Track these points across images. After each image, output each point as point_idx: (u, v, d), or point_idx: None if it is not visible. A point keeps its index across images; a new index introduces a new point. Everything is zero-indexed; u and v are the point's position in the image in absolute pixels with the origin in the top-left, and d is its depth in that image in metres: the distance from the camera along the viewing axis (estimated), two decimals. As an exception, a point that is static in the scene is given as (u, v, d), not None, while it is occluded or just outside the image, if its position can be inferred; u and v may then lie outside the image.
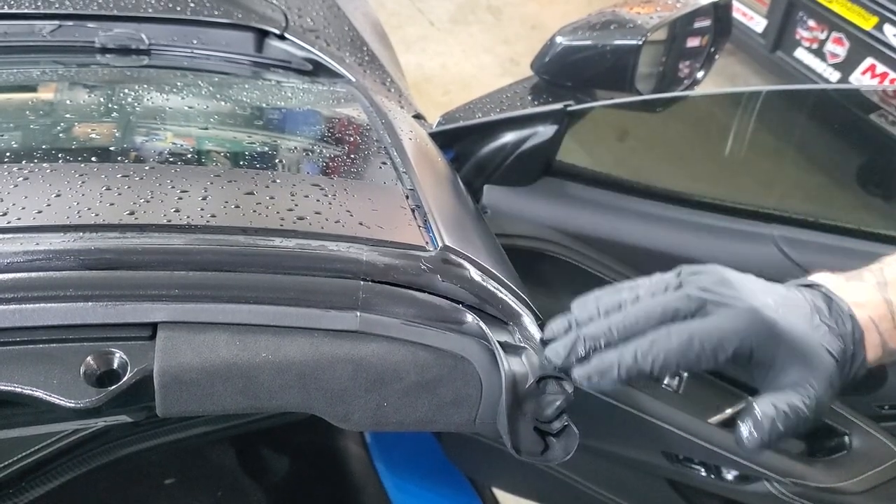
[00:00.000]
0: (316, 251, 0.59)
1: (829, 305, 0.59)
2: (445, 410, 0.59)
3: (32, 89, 0.91)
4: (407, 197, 0.71)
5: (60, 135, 0.75)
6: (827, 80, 3.06)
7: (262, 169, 0.74)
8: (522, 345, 0.60)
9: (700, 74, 1.20)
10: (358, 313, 0.57)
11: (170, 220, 0.60)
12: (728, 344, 0.56)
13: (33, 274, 0.53)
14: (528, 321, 0.63)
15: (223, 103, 0.92)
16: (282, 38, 1.11)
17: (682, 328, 0.56)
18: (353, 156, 0.82)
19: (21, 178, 0.63)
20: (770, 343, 0.57)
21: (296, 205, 0.65)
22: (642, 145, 1.29)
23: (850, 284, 0.61)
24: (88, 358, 0.52)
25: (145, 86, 0.93)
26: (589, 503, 1.13)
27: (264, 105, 0.94)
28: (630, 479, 1.09)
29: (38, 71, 0.96)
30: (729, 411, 1.01)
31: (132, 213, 0.60)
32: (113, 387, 0.52)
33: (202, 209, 0.62)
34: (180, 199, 0.63)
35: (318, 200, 0.67)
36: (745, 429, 0.57)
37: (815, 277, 0.63)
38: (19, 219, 0.57)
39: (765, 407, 0.57)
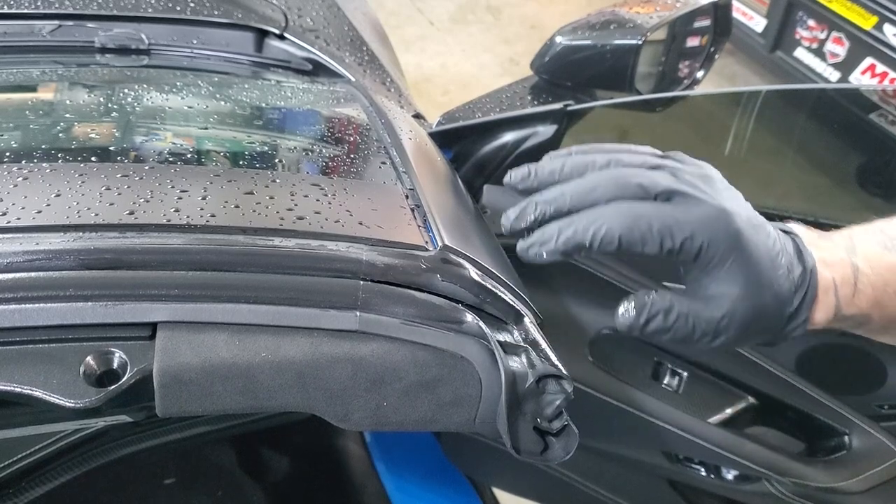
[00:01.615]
0: (315, 251, 0.59)
1: (796, 253, 0.57)
2: (445, 410, 0.59)
3: (32, 89, 0.91)
4: (407, 196, 0.71)
5: (60, 135, 0.75)
6: (827, 80, 3.06)
7: (261, 169, 0.74)
8: (522, 345, 0.60)
9: (700, 74, 1.20)
10: (357, 313, 0.57)
11: (169, 220, 0.60)
12: (679, 233, 0.52)
13: (33, 274, 0.53)
14: (528, 321, 0.63)
15: (223, 103, 0.92)
16: (281, 37, 1.11)
17: (635, 205, 0.53)
18: (352, 155, 0.82)
19: (21, 178, 0.63)
20: (723, 247, 0.53)
21: (295, 204, 0.65)
22: (642, 145, 1.29)
23: (822, 243, 0.59)
24: (88, 358, 0.52)
25: (145, 86, 0.93)
26: (589, 503, 1.13)
27: (264, 105, 0.94)
28: (630, 479, 1.09)
29: (38, 71, 0.96)
30: (729, 411, 1.01)
31: (132, 213, 0.60)
32: (112, 387, 0.52)
33: (202, 209, 0.62)
34: (180, 198, 0.63)
35: (317, 200, 0.67)
36: (626, 304, 0.55)
37: (791, 226, 0.60)
38: (19, 219, 0.57)
39: (661, 297, 0.54)
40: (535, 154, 1.01)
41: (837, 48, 3.04)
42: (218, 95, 0.95)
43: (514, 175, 0.58)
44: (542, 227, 0.55)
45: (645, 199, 0.54)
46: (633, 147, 0.60)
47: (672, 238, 0.53)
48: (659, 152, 0.59)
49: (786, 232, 0.59)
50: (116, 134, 0.77)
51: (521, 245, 0.55)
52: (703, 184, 0.55)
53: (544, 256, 0.55)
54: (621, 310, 0.55)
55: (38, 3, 1.04)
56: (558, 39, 1.08)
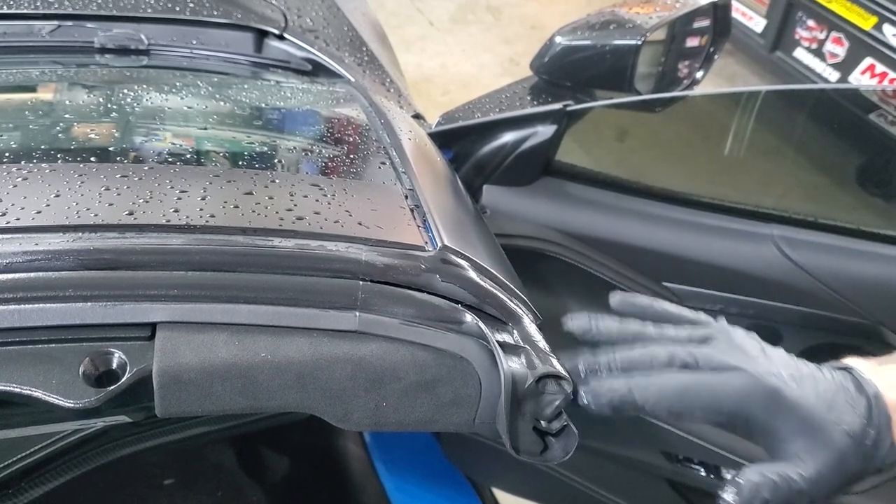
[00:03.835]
0: (315, 251, 0.59)
1: (856, 387, 0.59)
2: (445, 410, 0.59)
3: (32, 89, 0.91)
4: (406, 197, 0.71)
5: (59, 135, 0.75)
6: (826, 80, 3.06)
7: (261, 169, 0.74)
8: (522, 345, 0.60)
9: (699, 74, 1.20)
10: (357, 313, 0.57)
11: (169, 221, 0.60)
12: (725, 404, 0.57)
13: (33, 274, 0.53)
14: (528, 321, 0.63)
15: (222, 103, 0.92)
16: (281, 38, 1.11)
17: (684, 378, 0.58)
18: (352, 156, 0.82)
19: (20, 179, 0.63)
20: (770, 412, 0.57)
21: (295, 205, 0.65)
22: (642, 145, 1.29)
23: (882, 368, 0.61)
24: (87, 358, 0.52)
25: (144, 86, 0.93)
26: (589, 503, 1.13)
27: (263, 105, 0.94)
28: (630, 479, 1.09)
29: (38, 71, 0.96)
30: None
31: (131, 214, 0.60)
32: (112, 387, 0.52)
33: (201, 209, 0.62)
34: (179, 199, 0.63)
35: (317, 200, 0.67)
36: (727, 494, 0.57)
37: (848, 361, 0.62)
38: (18, 219, 0.57)
39: (751, 474, 0.57)
40: (535, 154, 1.01)
41: (837, 48, 3.04)
42: (217, 96, 0.95)
43: (575, 323, 0.63)
44: (612, 380, 0.59)
45: (693, 370, 0.58)
46: (688, 315, 0.64)
47: (718, 409, 0.57)
48: (708, 320, 0.64)
49: (843, 369, 0.61)
50: (116, 134, 0.77)
51: (587, 391, 0.59)
52: (745, 353, 0.59)
53: (595, 409, 0.58)
54: (726, 498, 0.57)
55: (38, 4, 1.04)
56: (558, 40, 1.08)
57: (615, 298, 0.65)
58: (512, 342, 0.60)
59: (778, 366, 0.58)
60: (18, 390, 0.51)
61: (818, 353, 1.00)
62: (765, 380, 0.57)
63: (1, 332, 0.52)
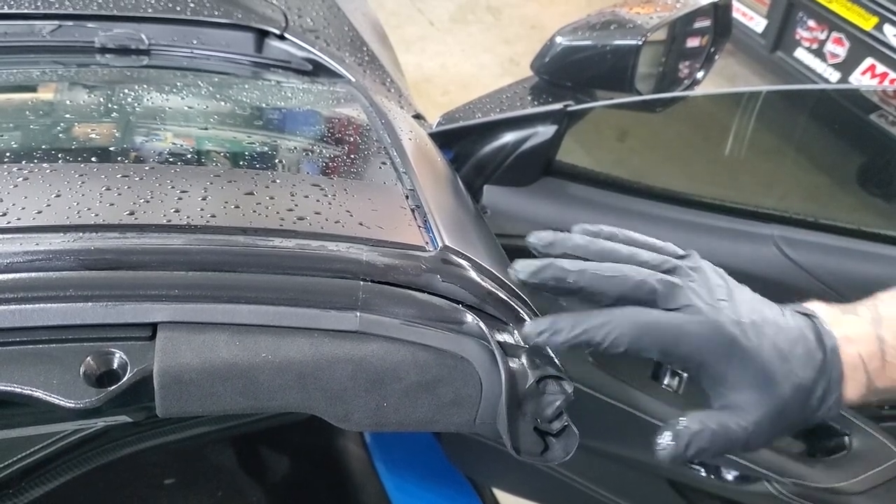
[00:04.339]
0: (316, 251, 0.59)
1: (816, 337, 0.58)
2: (445, 410, 0.59)
3: (32, 89, 0.91)
4: (407, 197, 0.71)
5: (60, 135, 0.75)
6: (827, 81, 3.07)
7: (261, 169, 0.74)
8: (522, 345, 0.60)
9: (700, 75, 1.20)
10: (358, 313, 0.57)
11: (170, 221, 0.60)
12: (681, 346, 0.55)
13: (33, 274, 0.53)
14: (528, 321, 0.63)
15: (223, 103, 0.92)
16: (281, 38, 1.11)
17: (642, 316, 0.56)
18: (352, 156, 0.82)
19: (21, 179, 0.63)
20: (723, 359, 0.56)
21: (296, 205, 0.65)
22: (642, 145, 1.29)
23: (846, 318, 0.60)
24: (88, 358, 0.52)
25: (145, 86, 0.93)
26: (589, 503, 1.13)
27: (264, 105, 0.94)
28: (630, 479, 1.09)
29: (38, 71, 0.96)
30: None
31: (132, 214, 0.60)
32: (113, 387, 0.52)
33: (202, 209, 0.62)
34: (180, 199, 0.63)
35: (317, 200, 0.67)
36: (663, 437, 0.57)
37: (813, 307, 0.61)
38: (19, 219, 0.57)
39: (691, 422, 0.56)
40: (535, 154, 1.01)
41: (837, 49, 3.04)
42: (218, 96, 0.95)
43: (537, 237, 0.60)
44: (557, 316, 0.57)
45: (654, 308, 0.57)
46: (657, 244, 0.62)
47: (675, 351, 0.56)
48: (680, 251, 0.61)
49: (805, 314, 0.60)
50: (116, 134, 0.77)
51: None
52: (710, 293, 0.57)
53: (552, 345, 0.57)
54: (661, 443, 0.57)
55: (38, 3, 1.04)
56: (558, 40, 1.08)
57: (577, 227, 0.61)
58: (512, 342, 0.60)
59: (741, 312, 0.57)
60: (19, 390, 0.51)
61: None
62: (725, 328, 0.55)
63: (1, 332, 0.52)
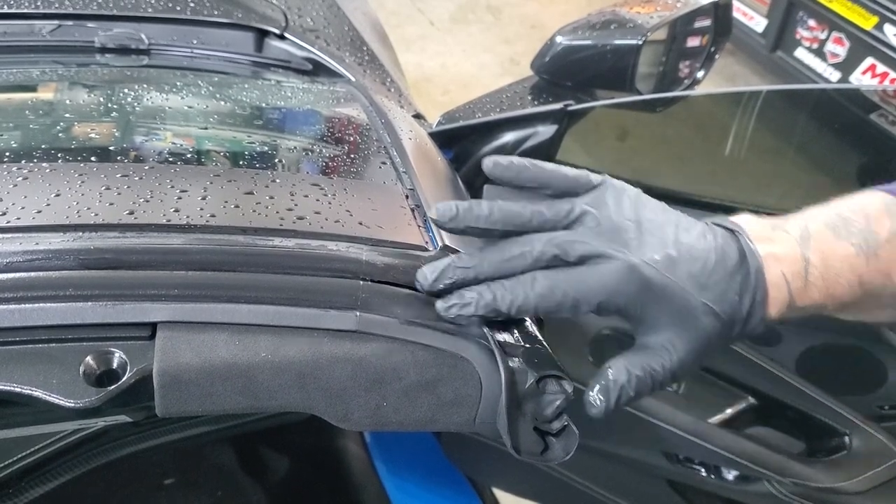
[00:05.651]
0: (315, 251, 0.59)
1: (739, 256, 0.56)
2: (445, 410, 0.59)
3: (32, 89, 0.91)
4: (407, 197, 0.71)
5: (60, 134, 0.75)
6: (827, 80, 3.06)
7: (261, 169, 0.74)
8: (522, 345, 0.60)
9: (700, 74, 1.20)
10: (357, 313, 0.57)
11: (169, 220, 0.60)
12: (593, 297, 0.55)
13: (33, 274, 0.53)
14: (528, 321, 0.63)
15: (223, 103, 0.92)
16: (282, 37, 1.11)
17: (548, 277, 0.55)
18: (352, 155, 0.82)
19: (20, 178, 0.63)
20: (640, 301, 0.55)
21: (295, 204, 0.65)
22: (642, 145, 1.29)
23: (774, 234, 0.58)
24: (88, 358, 0.52)
25: (145, 85, 0.93)
26: (589, 503, 1.13)
27: (264, 105, 0.94)
28: (630, 479, 1.09)
29: (38, 71, 0.96)
30: (729, 411, 1.01)
31: (132, 213, 0.60)
32: (112, 387, 0.51)
33: (202, 209, 0.61)
34: (180, 198, 0.63)
35: (317, 200, 0.67)
36: (593, 394, 0.56)
37: (739, 219, 0.59)
38: (19, 218, 0.57)
39: (617, 373, 0.56)
40: (536, 154, 1.01)
41: (838, 48, 3.04)
42: (218, 95, 0.95)
43: (440, 212, 0.57)
44: (461, 289, 0.57)
45: (560, 267, 0.56)
46: (567, 175, 0.59)
47: (588, 303, 0.55)
48: (594, 181, 0.59)
49: (732, 231, 0.58)
50: (116, 134, 0.77)
51: (440, 305, 0.57)
52: (617, 235, 0.56)
53: (463, 318, 0.57)
54: (590, 400, 0.56)
55: (38, 3, 1.04)
56: (559, 39, 1.08)
57: (488, 161, 0.59)
58: (512, 342, 0.60)
59: (652, 248, 0.55)
60: (19, 390, 0.51)
61: (818, 353, 1.00)
62: (637, 269, 0.54)
63: (1, 332, 0.52)
